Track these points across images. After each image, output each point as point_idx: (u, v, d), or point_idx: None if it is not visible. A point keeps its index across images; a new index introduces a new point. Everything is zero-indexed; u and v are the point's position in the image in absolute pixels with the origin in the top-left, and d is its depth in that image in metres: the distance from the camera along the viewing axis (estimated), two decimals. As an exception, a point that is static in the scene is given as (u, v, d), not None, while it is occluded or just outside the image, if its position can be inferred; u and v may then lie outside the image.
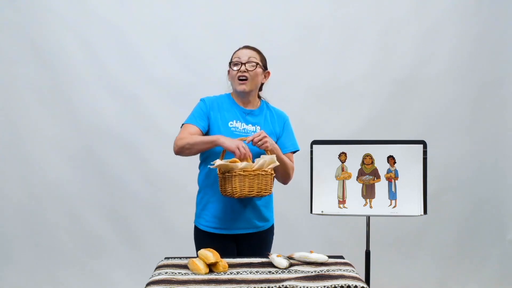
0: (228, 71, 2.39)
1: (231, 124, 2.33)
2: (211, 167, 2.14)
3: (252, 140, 2.16)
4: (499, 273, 3.85)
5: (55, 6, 3.62)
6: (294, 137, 2.46)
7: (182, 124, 2.34)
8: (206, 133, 2.32)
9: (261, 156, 2.19)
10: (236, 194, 2.14)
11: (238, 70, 2.32)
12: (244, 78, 2.31)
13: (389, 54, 3.77)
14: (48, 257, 3.73)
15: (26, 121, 3.69)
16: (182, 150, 2.25)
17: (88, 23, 3.65)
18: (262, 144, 2.16)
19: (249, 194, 2.14)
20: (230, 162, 2.13)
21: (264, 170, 2.14)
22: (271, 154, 2.20)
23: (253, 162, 2.16)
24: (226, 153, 2.21)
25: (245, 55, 2.34)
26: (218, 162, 2.12)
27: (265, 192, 2.17)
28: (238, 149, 2.12)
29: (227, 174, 2.14)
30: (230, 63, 2.37)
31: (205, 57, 3.71)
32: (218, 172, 2.16)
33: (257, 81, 2.37)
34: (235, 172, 2.11)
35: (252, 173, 2.12)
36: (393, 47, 3.77)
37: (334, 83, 3.77)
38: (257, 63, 2.35)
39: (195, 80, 3.71)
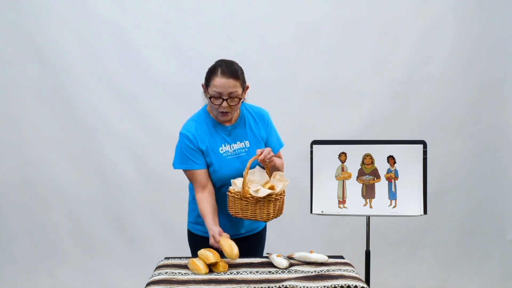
0: (203, 86, 2.24)
1: (221, 150, 2.27)
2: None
3: (260, 158, 2.15)
4: (499, 273, 3.85)
5: (55, 6, 3.62)
6: (277, 133, 2.43)
7: (176, 166, 2.28)
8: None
9: (272, 178, 2.21)
10: (245, 217, 2.15)
11: (219, 105, 2.17)
12: (226, 112, 2.20)
13: (389, 54, 3.77)
14: (48, 257, 3.74)
15: (26, 121, 3.69)
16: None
17: (88, 23, 3.65)
18: (270, 162, 2.18)
19: (260, 219, 2.14)
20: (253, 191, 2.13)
21: (278, 195, 2.14)
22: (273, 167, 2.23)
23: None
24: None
25: (225, 88, 2.13)
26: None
27: (273, 217, 2.17)
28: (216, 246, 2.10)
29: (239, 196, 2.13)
30: (207, 94, 2.21)
31: (205, 57, 3.67)
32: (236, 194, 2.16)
33: (239, 106, 2.25)
34: (244, 196, 2.10)
35: (262, 199, 2.11)
36: (393, 47, 3.77)
37: (334, 83, 3.77)
38: (239, 98, 2.18)
39: (195, 80, 3.65)
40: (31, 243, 3.74)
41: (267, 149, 2.17)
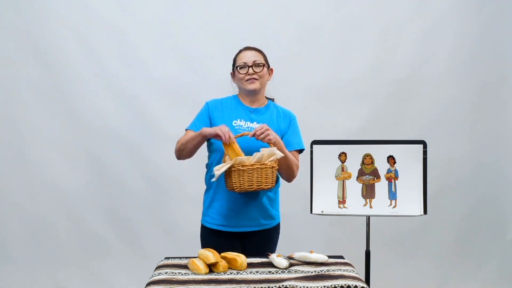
0: (232, 74, 2.41)
1: (235, 123, 2.34)
2: (213, 180, 2.19)
3: (254, 134, 2.16)
4: (499, 273, 3.85)
5: (55, 6, 3.62)
6: (300, 136, 2.45)
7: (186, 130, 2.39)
8: None
9: (261, 149, 2.19)
10: (236, 189, 2.17)
11: (246, 73, 2.34)
12: (253, 78, 2.34)
13: (389, 54, 3.77)
14: (48, 257, 3.74)
15: (26, 121, 3.69)
16: (179, 153, 2.35)
17: (88, 23, 3.65)
18: (265, 137, 2.16)
19: (249, 188, 2.15)
20: (228, 162, 2.15)
21: (263, 164, 2.15)
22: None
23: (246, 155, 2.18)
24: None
25: (249, 57, 2.35)
26: (216, 171, 2.15)
27: (266, 185, 2.17)
28: (221, 133, 2.15)
29: (228, 170, 2.17)
30: (235, 67, 2.38)
31: (205, 57, 3.71)
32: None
33: (265, 80, 2.40)
34: (234, 167, 2.14)
35: (250, 167, 2.14)
36: (393, 47, 3.77)
37: (334, 83, 3.77)
38: (263, 64, 2.37)
39: (195, 80, 3.71)
40: (31, 243, 3.73)
41: (263, 125, 2.20)
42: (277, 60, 3.73)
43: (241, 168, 2.14)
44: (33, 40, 3.63)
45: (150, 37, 3.69)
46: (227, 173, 2.19)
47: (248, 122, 2.35)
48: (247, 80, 2.34)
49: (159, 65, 3.71)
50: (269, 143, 2.19)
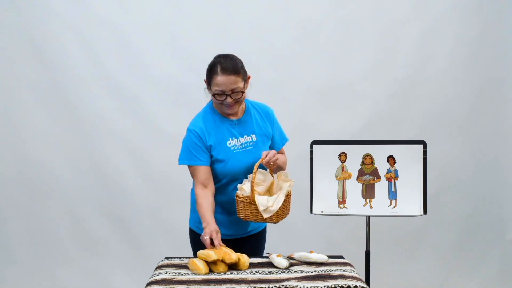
0: (206, 82, 2.25)
1: (229, 144, 2.28)
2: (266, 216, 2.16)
3: (263, 161, 2.18)
4: (499, 273, 3.85)
5: (55, 6, 3.62)
6: (281, 128, 2.46)
7: (181, 161, 2.28)
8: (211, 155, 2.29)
9: (277, 181, 2.24)
10: (253, 220, 2.19)
11: (222, 101, 2.19)
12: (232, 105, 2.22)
13: (389, 54, 3.77)
14: (48, 257, 3.74)
15: (26, 121, 3.69)
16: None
17: (88, 23, 3.65)
18: (274, 164, 2.22)
19: (270, 221, 2.18)
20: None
21: (288, 196, 2.23)
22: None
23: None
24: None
25: (227, 84, 2.15)
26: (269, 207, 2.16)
27: (284, 217, 2.25)
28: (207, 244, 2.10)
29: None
30: (210, 91, 2.22)
31: (205, 57, 3.67)
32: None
33: (244, 99, 2.27)
34: (253, 202, 2.14)
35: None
36: (393, 47, 3.77)
37: (334, 83, 3.77)
38: (242, 91, 2.20)
39: (195, 80, 3.66)
40: (31, 243, 3.73)
41: (272, 152, 2.20)
42: (277, 60, 3.78)
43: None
44: (33, 40, 3.63)
45: (150, 37, 3.69)
46: (246, 204, 2.16)
47: (240, 139, 2.30)
48: (226, 105, 2.21)
49: (159, 65, 3.70)
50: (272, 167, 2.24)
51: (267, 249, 2.53)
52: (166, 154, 3.69)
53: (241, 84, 2.18)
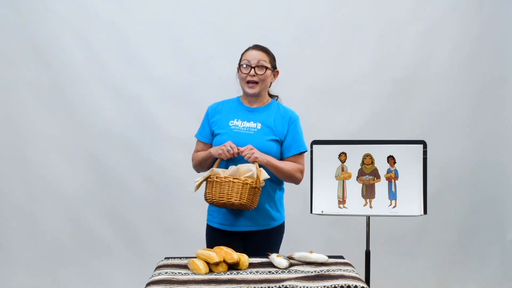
0: (238, 70, 2.40)
1: (231, 122, 2.37)
2: (194, 191, 2.28)
3: (241, 153, 2.24)
4: (499, 273, 3.85)
5: (55, 6, 3.62)
6: (301, 138, 2.42)
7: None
8: (213, 137, 2.41)
9: (239, 164, 2.22)
10: (208, 200, 2.23)
11: (247, 73, 2.34)
12: (253, 81, 2.34)
13: (389, 54, 3.77)
14: (48, 257, 3.73)
15: (26, 121, 3.69)
16: (197, 169, 2.49)
17: (88, 23, 3.65)
18: (250, 156, 2.22)
19: (220, 201, 2.17)
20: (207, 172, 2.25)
21: (236, 178, 2.16)
22: (259, 166, 2.22)
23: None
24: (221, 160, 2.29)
25: (254, 57, 2.34)
26: (195, 182, 2.24)
27: (237, 200, 2.15)
28: (223, 152, 2.24)
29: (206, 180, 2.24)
30: (239, 65, 2.38)
31: (205, 57, 3.71)
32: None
33: (267, 83, 2.39)
34: (210, 178, 2.21)
35: (223, 179, 2.16)
36: (393, 47, 3.77)
37: (334, 83, 3.77)
38: (266, 67, 2.35)
39: (195, 80, 3.70)
40: (31, 243, 3.73)
41: (248, 146, 2.24)
42: (277, 60, 3.75)
43: (215, 180, 2.18)
44: (33, 40, 3.63)
45: (150, 37, 3.69)
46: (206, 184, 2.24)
47: (245, 122, 2.36)
48: (247, 82, 2.34)
49: (159, 65, 3.70)
50: (255, 162, 2.22)
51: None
52: (166, 154, 3.69)
53: (267, 64, 2.34)
